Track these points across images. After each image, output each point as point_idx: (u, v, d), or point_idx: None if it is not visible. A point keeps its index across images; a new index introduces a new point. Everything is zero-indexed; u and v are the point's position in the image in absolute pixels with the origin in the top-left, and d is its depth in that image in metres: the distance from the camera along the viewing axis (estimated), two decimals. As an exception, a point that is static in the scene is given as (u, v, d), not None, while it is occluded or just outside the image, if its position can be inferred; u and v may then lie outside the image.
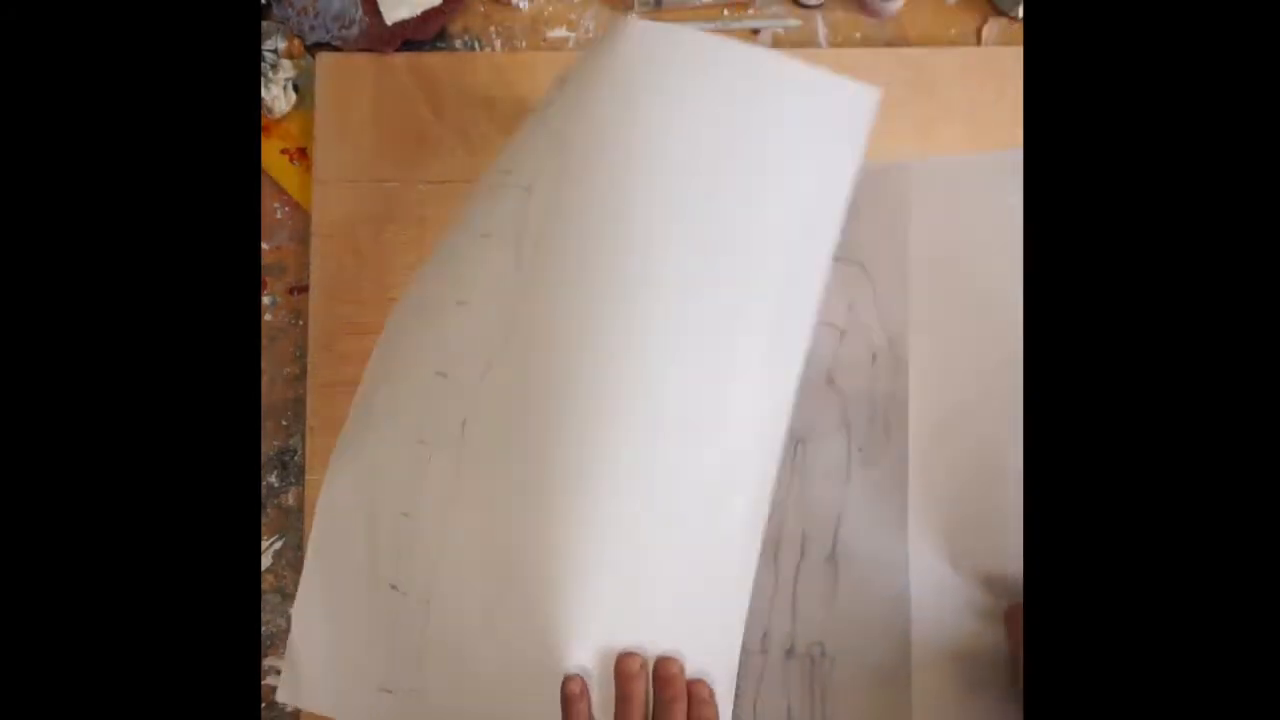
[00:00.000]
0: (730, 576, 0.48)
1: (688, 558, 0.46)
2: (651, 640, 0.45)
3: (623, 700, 0.44)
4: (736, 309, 0.48)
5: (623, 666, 0.44)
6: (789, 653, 0.57)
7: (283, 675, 0.54)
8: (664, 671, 0.45)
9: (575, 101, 0.49)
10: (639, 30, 0.48)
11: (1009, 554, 0.55)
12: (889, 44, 0.68)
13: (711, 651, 0.47)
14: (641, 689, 0.44)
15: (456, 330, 0.49)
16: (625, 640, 0.45)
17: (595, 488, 0.45)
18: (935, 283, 0.60)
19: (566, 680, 0.44)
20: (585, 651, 0.44)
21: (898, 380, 0.59)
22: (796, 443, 0.60)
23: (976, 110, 0.66)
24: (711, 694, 0.45)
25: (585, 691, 0.44)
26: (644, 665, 0.45)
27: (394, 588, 0.50)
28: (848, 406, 0.59)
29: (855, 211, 0.55)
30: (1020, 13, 0.68)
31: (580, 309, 0.47)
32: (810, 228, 0.50)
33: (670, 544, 0.46)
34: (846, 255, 0.60)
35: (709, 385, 0.47)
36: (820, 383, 0.60)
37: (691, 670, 0.46)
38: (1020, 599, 0.52)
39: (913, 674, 0.56)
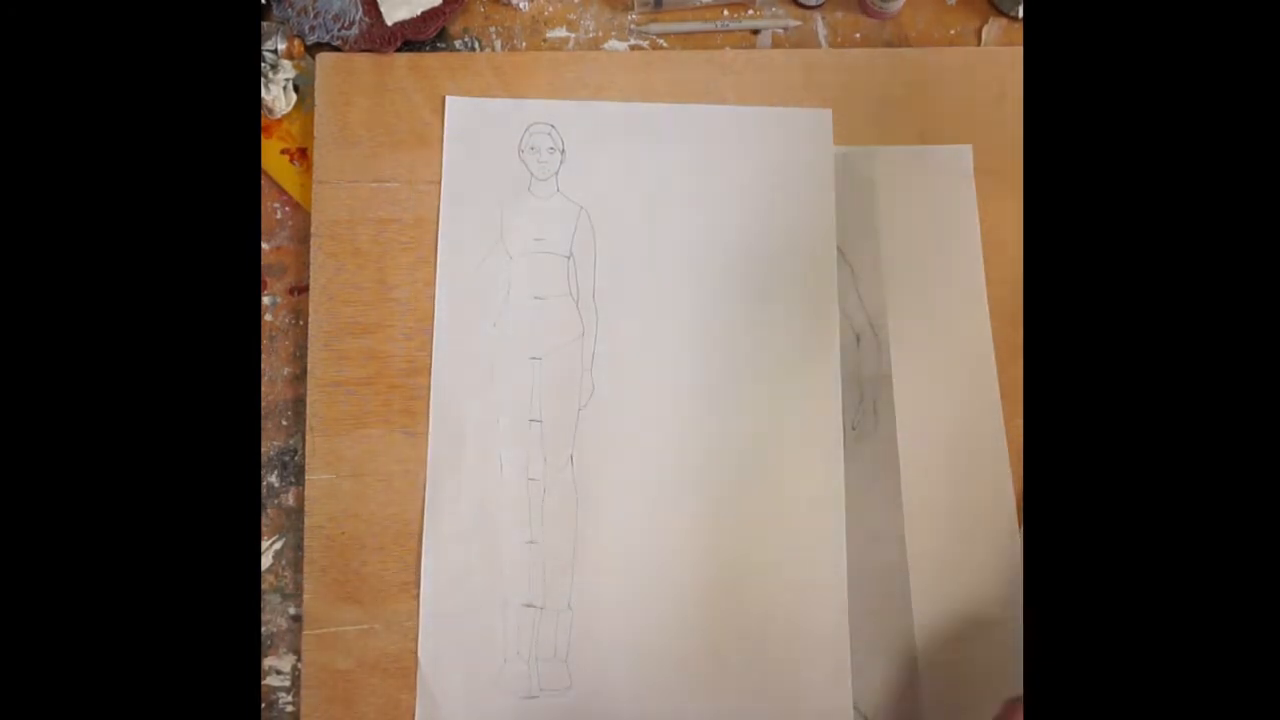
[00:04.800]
0: (817, 530, 0.59)
1: (788, 528, 0.59)
2: (769, 593, 0.58)
3: None
4: (775, 311, 0.61)
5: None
6: None
7: (419, 705, 0.57)
8: None
9: (579, 175, 0.63)
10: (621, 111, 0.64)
11: (994, 529, 0.60)
12: (889, 44, 0.68)
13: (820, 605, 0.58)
14: None
15: (539, 381, 0.60)
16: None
17: (700, 489, 0.59)
18: (906, 265, 0.63)
19: None
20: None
21: (881, 360, 0.62)
22: None
23: (976, 110, 0.66)
24: None
25: None
26: None
27: (529, 605, 0.58)
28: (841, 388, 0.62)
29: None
30: (1020, 13, 0.68)
31: (652, 343, 0.61)
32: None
33: (767, 516, 0.59)
34: None
35: (766, 382, 0.60)
36: None
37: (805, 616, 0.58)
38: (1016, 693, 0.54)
39: (916, 636, 0.58)
